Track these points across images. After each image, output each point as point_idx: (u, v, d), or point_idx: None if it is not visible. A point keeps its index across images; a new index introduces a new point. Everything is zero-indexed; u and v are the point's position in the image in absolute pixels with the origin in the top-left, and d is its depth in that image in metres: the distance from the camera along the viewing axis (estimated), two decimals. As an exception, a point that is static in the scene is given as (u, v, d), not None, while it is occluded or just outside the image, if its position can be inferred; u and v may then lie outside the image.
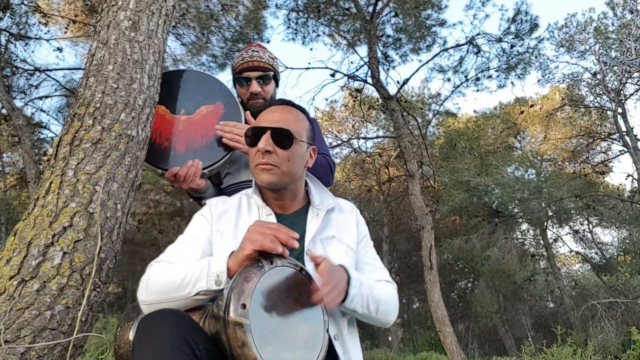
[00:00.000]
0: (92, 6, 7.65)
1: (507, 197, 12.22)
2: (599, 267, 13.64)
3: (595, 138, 13.80)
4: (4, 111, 7.08)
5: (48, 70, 7.89)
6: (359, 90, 10.31)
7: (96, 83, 1.55)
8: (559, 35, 12.70)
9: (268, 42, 8.73)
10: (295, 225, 1.17)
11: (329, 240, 1.20)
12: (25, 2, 7.47)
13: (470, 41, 8.86)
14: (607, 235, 28.31)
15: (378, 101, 10.33)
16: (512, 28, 8.79)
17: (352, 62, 19.81)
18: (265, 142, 1.13)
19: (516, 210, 13.36)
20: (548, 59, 12.40)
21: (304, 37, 9.37)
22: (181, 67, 8.64)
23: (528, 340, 8.09)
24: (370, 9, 8.84)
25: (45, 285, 1.22)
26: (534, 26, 8.73)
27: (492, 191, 12.38)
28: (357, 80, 9.46)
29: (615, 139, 13.18)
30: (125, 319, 1.17)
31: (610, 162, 14.11)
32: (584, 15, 16.40)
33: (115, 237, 1.43)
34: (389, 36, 9.46)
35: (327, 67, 8.95)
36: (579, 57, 12.73)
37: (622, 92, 12.30)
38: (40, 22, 7.61)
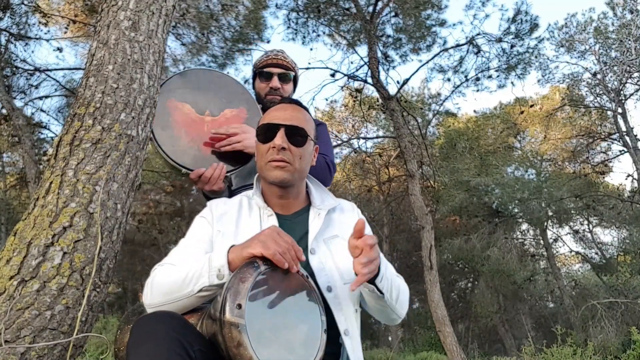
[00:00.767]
0: (92, 6, 7.65)
1: (507, 197, 12.22)
2: (599, 267, 13.63)
3: (595, 138, 13.80)
4: (4, 111, 7.07)
5: (48, 70, 7.89)
6: (359, 90, 10.31)
7: (96, 83, 1.55)
8: (559, 35, 12.72)
9: (268, 42, 8.74)
10: (297, 225, 1.17)
11: (332, 240, 1.19)
12: (25, 2, 7.46)
13: (470, 41, 8.86)
14: (607, 235, 28.36)
15: (378, 101, 10.33)
16: (512, 28, 8.79)
17: (352, 62, 19.82)
18: (281, 138, 1.14)
19: (516, 210, 13.36)
20: (548, 59, 12.42)
21: (304, 37, 9.38)
22: (181, 67, 8.65)
23: (528, 340, 8.08)
24: (370, 9, 8.84)
25: (45, 285, 1.22)
26: (534, 26, 8.74)
27: (492, 191, 12.38)
28: (357, 80, 9.46)
29: (615, 139, 13.18)
30: (125, 322, 1.17)
31: (610, 162, 14.12)
32: (584, 15, 16.42)
33: (115, 237, 1.43)
34: (389, 36, 9.47)
35: (327, 67, 8.96)
36: (579, 57, 12.75)
37: (622, 92, 12.31)
38: (40, 22, 7.60)
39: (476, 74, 9.46)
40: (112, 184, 1.43)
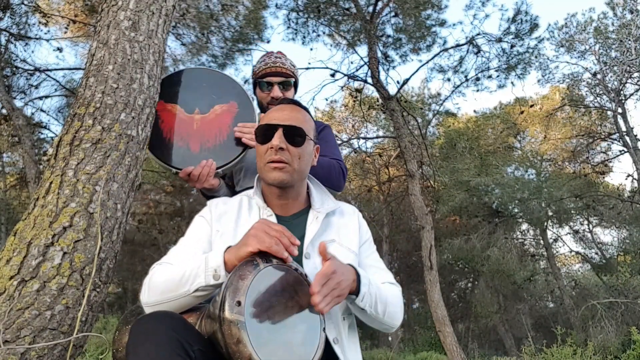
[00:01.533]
0: (92, 6, 7.65)
1: (507, 197, 12.22)
2: (599, 267, 13.63)
3: (595, 138, 13.80)
4: (4, 111, 7.07)
5: (48, 70, 7.88)
6: (359, 90, 10.30)
7: (96, 83, 1.55)
8: (559, 35, 12.71)
9: (268, 42, 8.74)
10: (295, 228, 1.17)
11: (328, 244, 1.17)
12: (25, 2, 7.46)
13: (470, 41, 8.86)
14: (607, 235, 28.38)
15: (378, 101, 10.32)
16: (512, 28, 8.78)
17: (352, 62, 19.83)
18: (279, 139, 1.13)
19: (516, 210, 13.36)
20: (548, 59, 12.42)
21: (304, 37, 9.38)
22: (181, 66, 8.65)
23: (528, 340, 8.09)
24: (370, 9, 8.84)
25: (45, 285, 1.22)
26: (534, 26, 8.73)
27: (492, 191, 12.38)
28: (357, 80, 9.46)
29: (615, 139, 13.18)
30: (124, 323, 1.16)
31: (610, 162, 14.11)
32: (584, 15, 16.43)
33: (115, 237, 1.42)
34: (389, 36, 9.46)
35: (327, 67, 8.95)
36: (579, 57, 12.74)
37: (622, 92, 12.31)
38: (40, 22, 7.60)
39: (476, 74, 9.46)
40: (112, 184, 1.43)
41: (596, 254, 14.91)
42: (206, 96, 1.73)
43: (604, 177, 14.17)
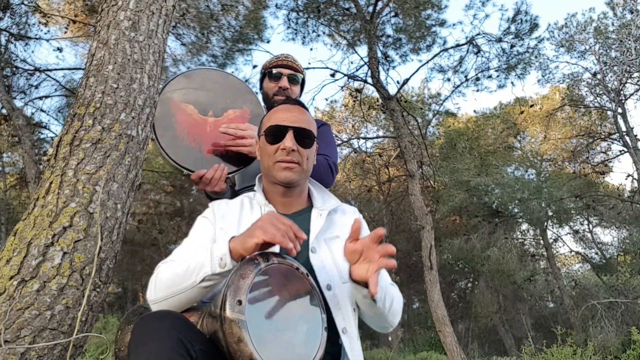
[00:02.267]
0: (92, 6, 7.65)
1: (507, 197, 12.22)
2: (599, 267, 13.64)
3: (595, 138, 13.79)
4: (4, 111, 7.07)
5: (48, 70, 7.88)
6: (359, 90, 10.30)
7: (96, 83, 1.55)
8: (559, 35, 12.71)
9: (268, 42, 8.75)
10: (299, 224, 1.17)
11: (333, 240, 1.20)
12: (25, 2, 7.46)
13: (470, 41, 8.86)
14: (607, 235, 28.36)
15: (378, 101, 10.32)
16: (512, 28, 8.78)
17: (352, 62, 19.85)
18: (291, 140, 1.16)
19: (516, 210, 13.37)
20: (548, 59, 12.42)
21: (304, 37, 9.38)
22: (181, 67, 8.65)
23: (528, 340, 8.09)
24: (370, 9, 8.83)
25: (45, 285, 1.22)
26: (534, 26, 8.73)
27: (492, 191, 12.38)
28: (357, 80, 9.45)
29: (615, 139, 13.17)
30: (126, 322, 1.17)
31: (610, 162, 14.10)
32: (584, 15, 16.40)
33: (115, 237, 1.43)
34: (389, 36, 9.46)
35: (327, 67, 8.95)
36: (579, 57, 12.74)
37: (622, 92, 12.30)
38: (40, 22, 7.60)
39: (476, 74, 9.46)
40: (112, 184, 1.43)
41: (596, 254, 14.92)
42: (220, 99, 1.73)
43: (604, 177, 14.17)
